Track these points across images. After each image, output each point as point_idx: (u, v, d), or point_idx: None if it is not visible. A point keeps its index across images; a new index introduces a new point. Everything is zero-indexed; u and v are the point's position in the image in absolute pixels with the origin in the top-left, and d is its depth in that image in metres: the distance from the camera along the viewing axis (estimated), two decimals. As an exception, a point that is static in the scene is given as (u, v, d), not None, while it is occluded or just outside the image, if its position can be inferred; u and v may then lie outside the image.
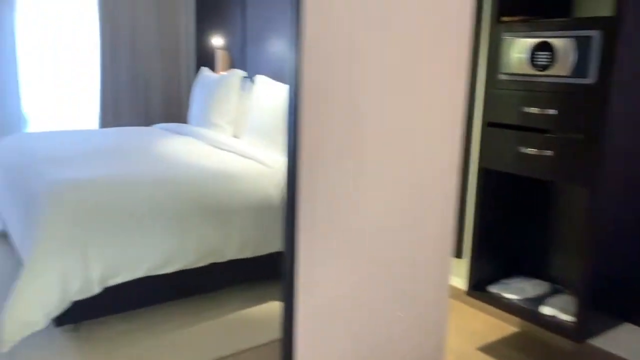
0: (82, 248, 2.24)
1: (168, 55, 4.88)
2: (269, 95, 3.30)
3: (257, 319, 2.60)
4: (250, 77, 3.85)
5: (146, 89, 4.79)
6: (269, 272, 2.94)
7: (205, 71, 4.12)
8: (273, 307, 2.71)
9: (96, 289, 2.29)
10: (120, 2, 4.51)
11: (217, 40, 4.56)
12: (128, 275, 2.37)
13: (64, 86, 4.50)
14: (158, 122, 4.69)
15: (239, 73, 3.74)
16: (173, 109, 4.97)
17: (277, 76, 3.47)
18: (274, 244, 2.81)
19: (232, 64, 4.46)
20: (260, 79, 3.46)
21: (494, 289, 2.57)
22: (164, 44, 4.83)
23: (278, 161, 2.99)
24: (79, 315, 2.33)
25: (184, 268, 2.53)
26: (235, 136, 3.64)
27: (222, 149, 3.30)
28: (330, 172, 1.39)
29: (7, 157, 3.12)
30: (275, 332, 2.46)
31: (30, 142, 3.36)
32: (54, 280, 2.16)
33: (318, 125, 1.33)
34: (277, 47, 3.96)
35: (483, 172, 2.50)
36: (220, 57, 4.41)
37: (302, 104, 1.32)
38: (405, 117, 1.50)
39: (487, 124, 2.43)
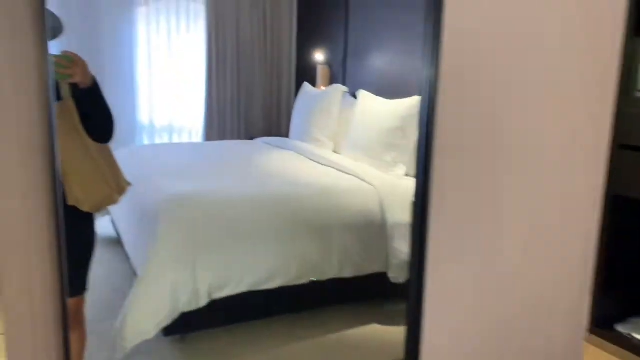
0: (192, 261, 2.29)
1: (270, 71, 4.98)
2: (372, 111, 3.24)
3: (359, 342, 2.53)
4: (351, 92, 3.81)
5: (248, 103, 4.92)
6: (370, 294, 2.87)
7: (306, 86, 4.15)
8: (375, 331, 2.63)
9: (203, 302, 2.33)
10: (228, 21, 4.68)
11: (318, 56, 4.59)
12: (233, 289, 2.39)
13: (171, 99, 4.72)
14: (258, 136, 4.78)
15: (341, 88, 3.72)
16: (273, 123, 5.06)
17: (378, 91, 3.41)
18: (376, 265, 2.73)
19: (332, 79, 4.46)
20: (363, 94, 3.42)
21: (622, 328, 2.31)
22: (267, 60, 4.95)
23: (380, 178, 2.91)
24: (186, 326, 2.39)
25: (286, 284, 2.52)
26: (335, 151, 3.62)
27: (323, 164, 3.28)
28: (463, 199, 1.29)
29: (124, 168, 3.30)
30: (377, 356, 2.37)
31: (145, 153, 3.54)
32: (165, 292, 2.22)
33: (452, 147, 1.24)
34: (379, 61, 3.90)
35: (611, 199, 2.27)
36: (321, 72, 4.43)
37: (436, 127, 1.24)
38: (546, 142, 1.37)
39: (619, 146, 2.21)
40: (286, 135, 4.85)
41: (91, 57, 1.77)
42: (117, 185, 1.88)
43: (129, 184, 1.97)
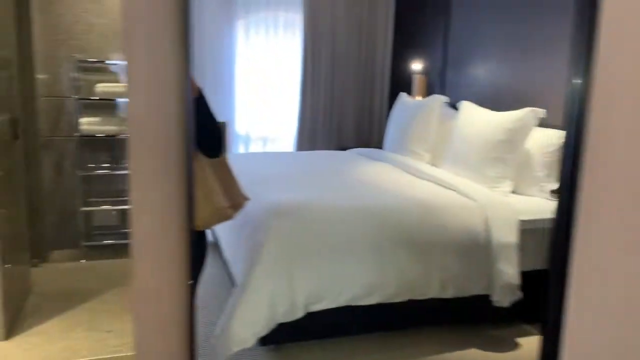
0: (290, 272, 2.27)
1: (363, 81, 4.94)
2: (475, 123, 3.08)
3: (459, 367, 2.39)
4: (450, 102, 3.67)
5: (340, 113, 4.90)
6: (470, 316, 2.71)
7: (403, 96, 4.05)
8: (474, 356, 2.47)
9: (300, 313, 2.30)
10: (323, 30, 4.69)
11: (415, 65, 4.48)
12: (330, 303, 2.34)
13: (266, 109, 4.81)
14: (348, 146, 4.75)
15: (440, 98, 3.59)
16: (364, 134, 5.00)
17: (481, 102, 3.25)
18: (478, 286, 2.58)
19: (429, 89, 4.33)
20: (466, 105, 3.27)
21: None
22: (361, 70, 4.91)
23: (484, 194, 2.76)
24: (281, 337, 2.37)
25: (383, 301, 2.44)
26: (432, 165, 3.49)
27: (421, 177, 3.16)
28: (615, 220, 1.14)
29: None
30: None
31: (241, 162, 3.60)
32: (264, 302, 2.21)
33: (603, 163, 1.10)
34: (482, 71, 3.73)
35: None
36: (417, 82, 4.32)
37: (586, 139, 1.10)
38: None
39: None
40: (378, 146, 4.77)
41: (194, 68, 1.78)
42: (231, 201, 1.86)
43: (246, 198, 1.95)
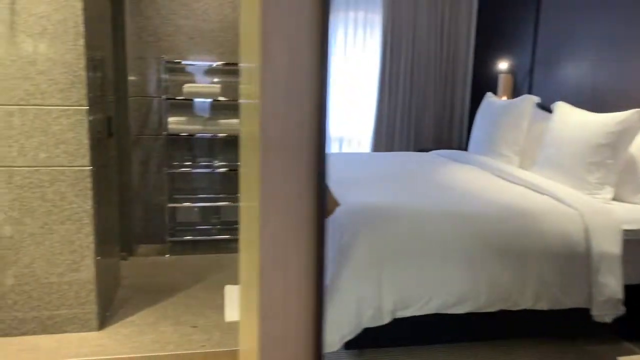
0: (378, 276, 2.21)
1: (444, 81, 4.79)
2: (572, 125, 2.89)
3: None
4: (540, 103, 3.47)
5: (418, 114, 4.78)
6: (566, 330, 2.55)
7: (490, 97, 3.88)
8: (574, 374, 2.31)
9: (386, 319, 2.24)
10: (403, 30, 4.59)
11: (501, 64, 4.29)
12: (418, 310, 2.26)
13: (344, 110, 4.77)
14: (427, 148, 4.62)
15: (532, 98, 3.40)
16: (444, 135, 4.85)
17: (575, 103, 3.04)
18: (575, 299, 2.41)
19: (515, 89, 4.13)
20: (561, 106, 3.08)
21: None
22: (441, 71, 4.77)
23: (583, 201, 2.58)
24: (366, 341, 2.31)
25: (473, 311, 2.32)
26: (521, 168, 3.31)
27: (511, 181, 3.01)
28: None
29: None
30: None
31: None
32: (351, 306, 2.16)
33: None
34: (576, 70, 3.51)
35: None
36: (503, 82, 4.13)
37: None
38: None
39: None
40: (458, 148, 4.62)
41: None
42: None
43: (337, 204, 1.92)
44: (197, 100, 3.69)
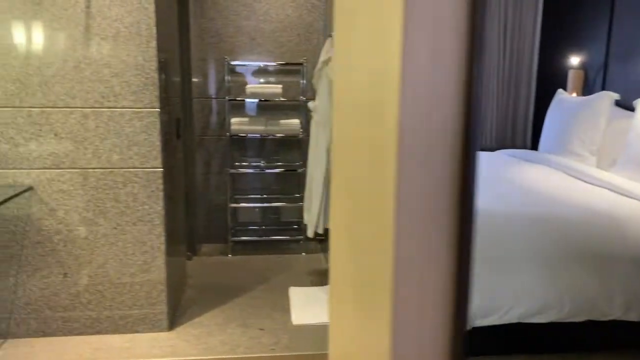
0: (456, 282, 2.11)
1: (507, 77, 4.61)
2: (659, 123, 2.70)
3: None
4: (621, 100, 3.27)
5: (481, 113, 4.63)
6: (660, 344, 2.38)
7: (561, 94, 3.70)
8: (670, 391, 2.15)
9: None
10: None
11: (571, 59, 4.08)
12: (498, 319, 2.16)
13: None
14: (490, 147, 4.46)
15: (610, 95, 3.21)
16: (508, 134, 4.67)
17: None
18: (670, 310, 2.24)
19: (587, 85, 3.92)
20: (646, 103, 2.89)
21: None
22: (504, 64, 4.59)
23: (675, 205, 2.40)
24: (442, 350, 2.22)
25: (557, 320, 2.20)
26: (599, 168, 3.13)
27: (589, 182, 2.84)
28: None
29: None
30: None
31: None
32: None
33: None
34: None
35: None
36: (573, 78, 3.93)
37: None
38: None
39: None
40: (522, 147, 4.44)
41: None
42: None
43: None
44: (254, 100, 3.68)
